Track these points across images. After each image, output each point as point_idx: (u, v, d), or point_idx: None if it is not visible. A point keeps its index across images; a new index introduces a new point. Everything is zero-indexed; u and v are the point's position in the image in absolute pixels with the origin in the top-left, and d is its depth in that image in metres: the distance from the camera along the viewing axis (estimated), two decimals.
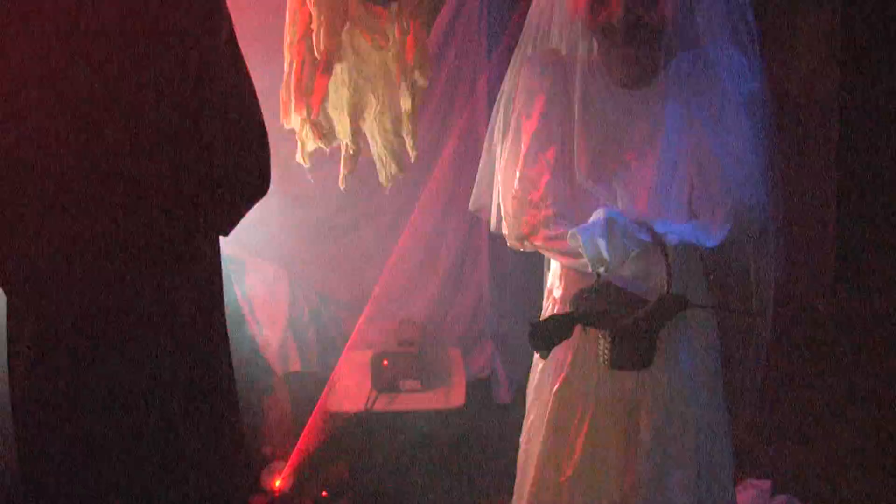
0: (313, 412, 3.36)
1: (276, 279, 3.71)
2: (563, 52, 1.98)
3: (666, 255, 1.77)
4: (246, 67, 1.73)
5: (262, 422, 3.45)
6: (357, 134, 2.31)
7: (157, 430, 1.73)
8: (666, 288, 1.78)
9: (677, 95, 1.89)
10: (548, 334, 1.81)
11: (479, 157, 3.56)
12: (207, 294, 1.78)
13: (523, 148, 1.95)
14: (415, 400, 3.30)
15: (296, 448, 3.29)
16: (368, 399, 3.28)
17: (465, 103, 3.65)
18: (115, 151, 1.60)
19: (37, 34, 1.53)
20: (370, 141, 2.36)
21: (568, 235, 1.82)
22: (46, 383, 1.66)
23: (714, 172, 1.85)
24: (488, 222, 2.12)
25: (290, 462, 3.20)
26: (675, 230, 1.82)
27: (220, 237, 1.81)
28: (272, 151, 1.78)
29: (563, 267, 1.99)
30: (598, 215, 1.79)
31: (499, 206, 2.03)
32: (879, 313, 4.47)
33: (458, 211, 3.78)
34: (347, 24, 2.13)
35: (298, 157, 2.37)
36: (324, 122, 2.23)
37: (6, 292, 1.66)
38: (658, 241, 1.78)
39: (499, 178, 2.02)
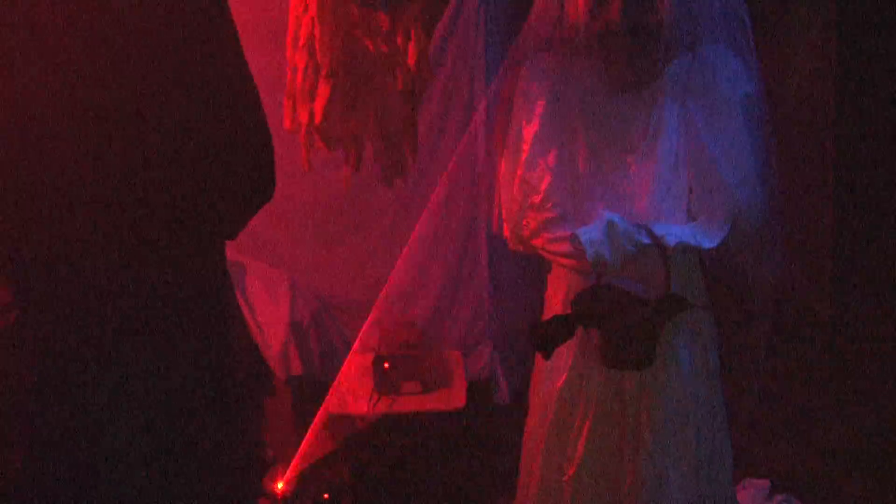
0: (315, 415, 3.37)
1: (277, 283, 3.72)
2: (562, 56, 1.99)
3: (665, 256, 1.79)
4: (250, 72, 1.74)
5: (263, 425, 3.46)
6: (359, 138, 2.33)
7: (166, 434, 1.73)
8: (665, 289, 1.80)
9: (675, 99, 1.91)
10: (550, 335, 1.83)
11: (478, 162, 3.60)
12: (215, 299, 1.79)
13: (524, 151, 1.96)
14: (416, 402, 3.31)
15: (297, 451, 3.30)
16: (370, 401, 3.29)
17: (463, 108, 3.67)
18: (122, 156, 1.60)
19: (43, 37, 1.54)
20: (372, 145, 2.38)
21: (569, 238, 1.84)
22: (55, 387, 1.67)
23: (712, 175, 1.87)
24: (488, 224, 2.14)
25: (291, 465, 3.21)
26: (675, 232, 1.85)
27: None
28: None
29: (564, 268, 2.01)
30: (598, 218, 1.81)
31: (500, 208, 2.05)
32: (877, 314, 4.48)
33: (457, 214, 3.80)
34: (349, 29, 2.15)
35: (301, 162, 2.39)
36: (326, 126, 2.25)
37: (18, 298, 1.67)
38: (657, 243, 1.80)
39: (500, 181, 2.04)
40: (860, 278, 4.68)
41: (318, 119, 2.21)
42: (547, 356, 1.90)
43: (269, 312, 3.62)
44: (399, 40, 2.15)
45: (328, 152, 2.34)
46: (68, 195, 1.58)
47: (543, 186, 1.92)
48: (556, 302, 2.04)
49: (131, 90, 1.57)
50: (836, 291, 4.68)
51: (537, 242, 1.95)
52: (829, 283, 4.71)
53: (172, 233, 1.67)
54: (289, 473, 3.18)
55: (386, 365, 3.34)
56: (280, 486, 3.17)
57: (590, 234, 1.82)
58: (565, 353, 1.99)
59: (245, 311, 3.55)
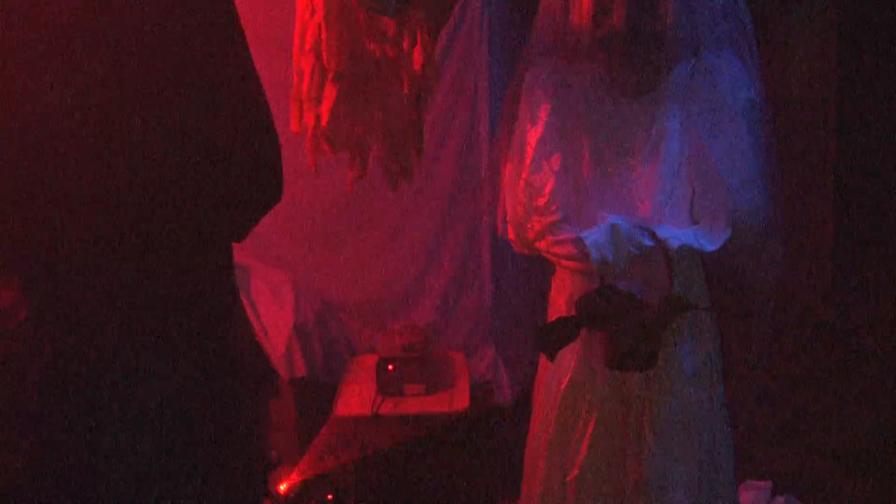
0: (319, 416, 3.39)
1: (280, 285, 3.73)
2: (567, 62, 2.01)
3: (668, 259, 1.81)
4: (258, 75, 1.75)
5: (268, 427, 3.47)
6: (364, 142, 2.35)
7: (170, 435, 1.74)
8: (668, 291, 1.82)
9: (678, 103, 1.93)
10: (554, 336, 1.85)
11: (480, 165, 3.62)
12: (223, 301, 1.81)
13: (528, 155, 1.98)
14: (420, 403, 3.32)
15: (301, 452, 3.32)
16: (374, 403, 3.31)
17: (466, 111, 3.68)
18: (130, 158, 1.61)
19: (52, 42, 1.55)
20: (377, 149, 2.40)
21: (573, 240, 1.86)
22: (60, 387, 1.68)
23: (714, 178, 1.89)
24: (491, 227, 2.16)
25: (296, 467, 3.23)
26: (677, 235, 1.87)
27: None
28: None
29: (567, 271, 2.03)
30: (602, 221, 1.83)
31: (504, 211, 2.07)
32: (877, 316, 4.49)
33: (460, 216, 3.82)
34: (355, 34, 2.17)
35: (305, 165, 2.41)
36: (332, 130, 2.27)
37: (25, 297, 1.68)
38: (660, 246, 1.82)
39: (504, 184, 2.06)
40: (861, 280, 4.69)
41: (324, 122, 2.24)
42: (551, 357, 1.92)
43: (273, 314, 3.64)
44: (405, 45, 2.17)
45: (333, 155, 2.36)
46: (75, 196, 1.60)
47: (548, 189, 1.94)
48: (560, 304, 2.06)
49: (139, 93, 1.59)
50: (836, 293, 4.70)
51: (542, 245, 1.97)
52: (829, 285, 4.73)
53: (180, 235, 1.68)
54: (293, 475, 3.20)
55: (390, 367, 3.35)
56: (284, 487, 3.18)
57: (594, 236, 1.84)
58: (569, 355, 2.01)
59: (249, 313, 3.57)
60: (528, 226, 1.97)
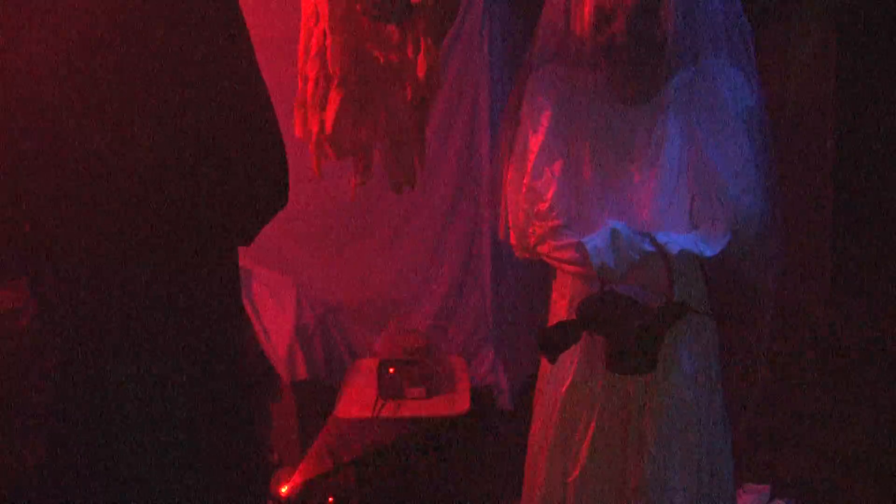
0: (320, 419, 3.40)
1: (282, 288, 3.75)
2: (568, 69, 2.03)
3: (668, 263, 1.83)
4: (264, 82, 1.77)
5: (269, 429, 3.49)
6: (368, 147, 2.37)
7: (174, 436, 1.76)
8: (668, 295, 1.84)
9: (678, 110, 1.95)
10: (556, 340, 1.87)
11: (481, 169, 3.64)
12: (228, 303, 1.82)
13: (530, 161, 2.00)
14: (420, 407, 3.34)
15: (302, 455, 3.33)
16: (375, 406, 3.32)
17: (467, 115, 3.70)
18: (138, 163, 1.63)
19: (63, 43, 1.57)
20: (381, 154, 2.42)
21: (574, 245, 1.88)
22: (73, 388, 1.70)
23: (714, 185, 1.91)
24: (491, 232, 2.17)
25: (296, 469, 3.24)
26: (677, 240, 1.89)
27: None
28: None
29: (569, 275, 2.05)
30: (603, 226, 1.85)
31: (506, 216, 2.09)
32: (876, 319, 4.51)
33: (460, 221, 3.84)
34: (360, 41, 2.19)
35: (312, 170, 2.43)
36: (336, 135, 2.29)
37: (33, 298, 1.70)
38: (660, 251, 1.84)
39: (506, 189, 2.08)
40: (859, 283, 4.71)
41: (328, 128, 2.25)
42: (552, 361, 1.94)
43: (274, 318, 3.65)
44: (409, 52, 2.19)
45: (336, 160, 2.37)
46: (82, 199, 1.61)
47: (549, 195, 1.96)
48: (561, 308, 2.08)
49: (147, 98, 1.61)
50: (835, 296, 4.71)
51: (543, 250, 1.99)
52: (828, 288, 4.74)
53: (187, 238, 1.70)
54: (294, 477, 3.21)
55: (391, 370, 3.36)
56: (285, 490, 3.19)
57: (595, 242, 1.86)
58: (570, 358, 2.03)
59: (251, 316, 3.59)
60: (530, 231, 1.99)
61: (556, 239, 1.95)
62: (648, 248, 1.85)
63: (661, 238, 1.87)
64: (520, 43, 2.12)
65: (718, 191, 1.91)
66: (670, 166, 1.93)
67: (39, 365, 1.72)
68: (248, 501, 1.95)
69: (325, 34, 2.20)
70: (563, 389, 2.05)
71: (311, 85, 2.26)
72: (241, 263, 1.93)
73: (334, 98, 2.22)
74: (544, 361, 2.13)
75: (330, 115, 2.24)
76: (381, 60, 2.21)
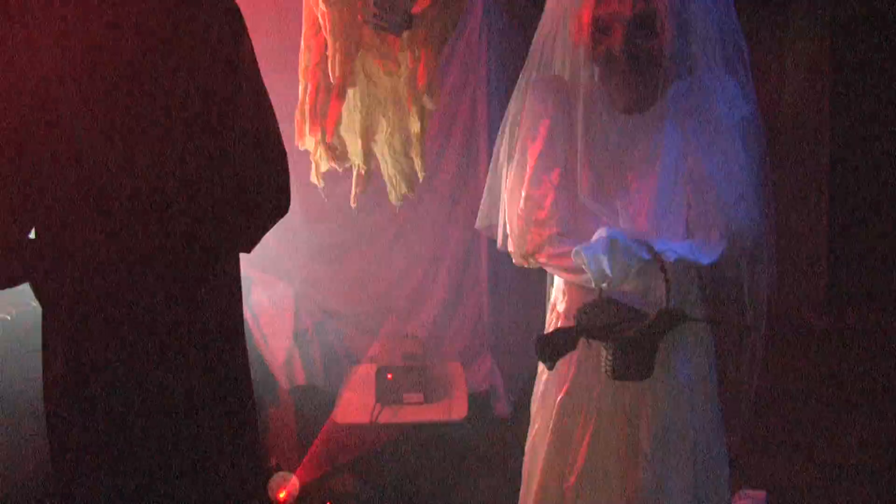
0: (318, 424, 3.41)
1: (281, 295, 3.77)
2: (566, 79, 2.05)
3: (665, 271, 1.85)
4: (265, 90, 1.80)
5: (267, 434, 3.50)
6: (368, 155, 2.39)
7: (176, 439, 1.78)
8: (664, 302, 1.86)
9: (675, 120, 1.97)
10: (553, 347, 1.89)
11: (479, 177, 3.66)
12: (230, 310, 1.85)
13: (528, 170, 2.02)
14: (418, 412, 3.35)
15: (301, 460, 3.35)
16: (373, 412, 3.33)
17: (465, 125, 3.72)
18: (143, 173, 1.65)
19: (70, 58, 1.60)
20: (381, 162, 2.44)
21: (572, 253, 1.90)
22: (78, 393, 1.72)
23: (710, 193, 1.93)
24: (488, 239, 2.19)
25: (295, 474, 3.25)
26: (674, 248, 1.90)
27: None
28: None
29: (566, 283, 2.07)
30: (600, 234, 1.87)
31: (505, 224, 2.10)
32: (870, 326, 4.52)
33: (458, 228, 3.86)
34: (361, 51, 2.22)
35: (312, 177, 2.45)
36: (337, 144, 2.31)
37: (42, 305, 1.73)
38: (657, 259, 1.86)
39: (505, 198, 2.10)
40: (855, 290, 4.72)
41: (328, 137, 2.28)
42: (550, 367, 1.95)
43: (273, 324, 3.67)
44: (409, 61, 2.21)
45: (337, 168, 2.39)
46: (90, 207, 1.64)
47: (547, 203, 1.98)
48: (558, 315, 2.10)
49: (154, 110, 1.64)
50: (830, 303, 4.73)
51: (541, 258, 2.01)
52: (823, 295, 4.76)
53: (190, 245, 1.72)
54: (291, 482, 3.22)
55: (389, 376, 3.37)
56: (283, 495, 3.20)
57: (592, 249, 1.88)
58: (567, 365, 2.05)
59: (250, 322, 3.60)
60: (528, 238, 2.01)
61: (554, 247, 1.97)
62: (645, 255, 1.87)
63: (658, 246, 1.89)
64: (518, 52, 2.13)
65: (714, 200, 1.93)
66: (667, 175, 1.95)
67: (47, 369, 1.75)
68: None
69: (326, 44, 2.23)
70: (561, 395, 2.07)
71: (312, 93, 2.28)
72: (241, 271, 1.95)
73: (335, 107, 2.24)
74: (541, 368, 2.15)
75: (330, 124, 2.26)
76: (382, 70, 2.24)
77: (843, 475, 3.37)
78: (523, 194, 2.02)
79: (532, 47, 2.08)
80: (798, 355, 4.29)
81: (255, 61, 1.78)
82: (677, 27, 1.91)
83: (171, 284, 1.71)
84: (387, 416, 3.33)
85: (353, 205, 2.53)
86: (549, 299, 2.20)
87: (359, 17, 2.16)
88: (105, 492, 1.75)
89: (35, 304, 1.73)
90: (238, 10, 1.75)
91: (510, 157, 2.09)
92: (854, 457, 3.48)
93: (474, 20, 3.52)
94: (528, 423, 2.22)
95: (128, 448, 1.74)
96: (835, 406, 3.88)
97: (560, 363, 1.97)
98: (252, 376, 1.96)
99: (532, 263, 2.06)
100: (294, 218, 3.48)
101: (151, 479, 1.77)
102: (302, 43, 2.32)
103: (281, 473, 3.31)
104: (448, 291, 3.94)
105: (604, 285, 1.90)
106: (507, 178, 2.09)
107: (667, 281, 1.85)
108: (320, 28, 2.24)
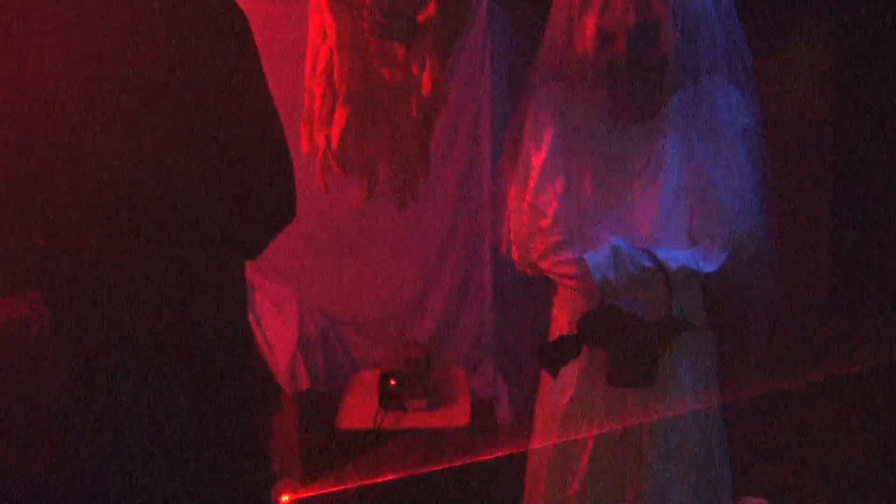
0: (321, 430, 3.42)
1: (285, 300, 3.77)
2: (570, 88, 2.05)
3: (667, 279, 1.87)
4: (274, 103, 1.81)
5: (271, 440, 3.50)
6: (373, 163, 2.40)
7: (179, 444, 1.79)
8: (667, 311, 1.87)
9: (678, 130, 1.98)
10: (557, 354, 1.91)
11: (482, 184, 3.67)
12: (236, 316, 1.86)
13: (532, 178, 2.03)
14: (421, 418, 3.36)
15: (303, 466, 3.35)
16: (376, 418, 3.34)
17: (468, 132, 3.73)
18: (150, 180, 1.67)
19: (79, 63, 1.61)
20: (385, 169, 2.45)
21: (575, 261, 1.92)
22: (84, 399, 1.73)
23: (712, 203, 1.95)
24: (491, 246, 2.20)
25: (297, 479, 3.26)
26: (676, 256, 1.92)
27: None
28: None
29: (570, 290, 2.08)
30: (604, 242, 1.89)
31: (509, 232, 2.12)
32: (874, 334, 4.52)
33: (461, 234, 3.87)
34: (366, 58, 2.23)
35: (317, 184, 2.46)
36: (342, 151, 2.32)
37: (49, 312, 1.74)
38: (660, 267, 1.88)
39: (509, 206, 2.11)
40: (858, 297, 4.72)
41: (334, 144, 2.29)
42: (554, 375, 1.97)
43: (277, 329, 3.67)
44: (414, 70, 2.22)
45: (342, 175, 2.41)
46: (97, 213, 1.65)
47: (551, 211, 1.99)
48: (562, 322, 2.11)
49: (161, 117, 1.65)
50: (834, 310, 4.73)
51: (545, 265, 2.02)
52: (827, 302, 4.76)
53: (197, 252, 1.74)
54: (294, 487, 3.22)
55: (392, 382, 3.38)
56: (285, 499, 3.21)
57: (596, 258, 1.90)
58: (570, 372, 2.05)
59: (254, 327, 3.61)
60: (532, 246, 2.03)
61: (558, 255, 1.99)
62: (648, 264, 1.89)
63: (661, 254, 1.90)
64: (521, 60, 2.14)
65: (717, 209, 1.95)
66: (670, 184, 1.97)
67: (53, 372, 1.76)
68: None
69: (332, 52, 2.24)
70: (564, 402, 2.08)
71: (317, 101, 2.30)
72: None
73: (340, 114, 2.26)
74: (545, 375, 2.16)
75: (336, 131, 2.27)
76: (387, 78, 2.25)
77: (846, 482, 3.36)
78: (527, 202, 2.03)
79: (536, 56, 2.10)
80: (801, 362, 4.28)
81: (261, 68, 1.79)
82: (680, 36, 1.92)
83: (177, 291, 1.72)
84: (390, 422, 3.33)
85: (356, 210, 2.54)
86: (552, 306, 2.21)
87: (364, 25, 2.17)
88: (106, 494, 1.76)
89: None
90: (244, 16, 1.76)
91: (514, 167, 2.10)
92: (857, 464, 3.47)
93: (478, 28, 3.53)
94: (530, 430, 2.23)
95: (133, 455, 1.75)
96: (838, 413, 3.87)
97: (564, 370, 1.98)
98: (254, 382, 1.97)
99: (536, 271, 2.07)
100: (298, 224, 3.50)
101: (157, 485, 1.78)
102: (308, 50, 2.34)
103: (284, 479, 3.32)
104: (451, 298, 3.95)
105: (607, 293, 1.91)
106: (510, 186, 2.10)
107: (669, 289, 1.86)
108: (326, 36, 2.25)
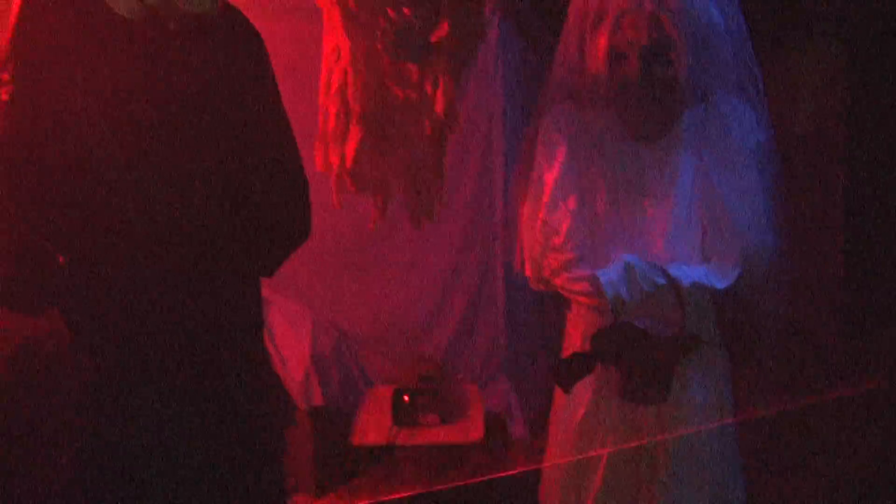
0: (335, 445, 3.43)
1: (299, 316, 3.79)
2: (583, 106, 2.07)
3: (680, 296, 1.88)
4: (287, 118, 1.83)
5: (285, 455, 3.51)
6: (387, 181, 2.42)
7: (200, 460, 1.81)
8: (680, 327, 1.88)
9: (690, 147, 2.00)
10: (570, 371, 1.92)
11: (495, 201, 3.69)
12: (251, 333, 1.88)
13: (545, 195, 2.04)
14: (435, 434, 3.36)
15: (317, 481, 3.36)
16: (389, 433, 3.35)
17: (481, 148, 3.75)
18: (169, 201, 1.69)
19: (99, 90, 1.63)
20: (400, 188, 2.47)
21: (588, 278, 1.93)
22: (100, 413, 1.75)
23: (725, 219, 1.96)
24: (504, 262, 2.22)
25: (311, 495, 3.26)
26: (689, 273, 1.93)
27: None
28: None
29: (583, 307, 2.09)
30: (616, 259, 1.90)
31: (522, 249, 2.13)
32: (887, 348, 4.50)
33: (474, 250, 3.88)
34: (380, 78, 2.26)
35: (328, 201, 2.47)
36: (356, 169, 2.34)
37: (70, 330, 1.76)
38: (673, 284, 1.89)
39: (522, 223, 2.13)
40: (870, 311, 4.70)
41: (349, 162, 2.31)
42: (567, 391, 1.98)
43: (290, 345, 3.69)
44: (428, 89, 2.24)
45: (356, 193, 2.42)
46: (117, 233, 1.67)
47: (564, 229, 2.01)
48: (575, 339, 2.11)
49: (181, 140, 1.67)
50: (846, 324, 4.71)
51: (558, 282, 2.03)
52: (839, 316, 4.74)
53: (214, 271, 1.76)
54: (308, 503, 3.23)
55: (405, 397, 3.39)
56: None
57: (609, 274, 1.91)
58: (584, 388, 2.06)
59: (267, 343, 3.62)
60: (545, 263, 2.04)
61: (571, 271, 2.00)
62: (661, 280, 1.90)
63: (674, 271, 1.91)
64: (533, 78, 2.17)
65: (729, 225, 1.96)
66: (682, 201, 1.98)
67: (73, 386, 1.78)
68: None
69: (346, 71, 2.26)
70: (578, 418, 2.08)
71: (332, 120, 2.32)
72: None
73: (355, 133, 2.28)
74: (558, 391, 2.17)
75: (350, 150, 2.29)
76: (401, 97, 2.27)
77: (860, 497, 3.35)
78: (541, 220, 2.05)
79: (548, 75, 2.12)
80: (814, 376, 4.27)
81: (276, 89, 1.81)
82: (692, 55, 1.94)
83: (194, 309, 1.74)
84: (403, 437, 3.34)
85: (371, 230, 2.55)
86: (565, 323, 2.22)
87: (378, 45, 2.20)
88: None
89: None
90: (261, 39, 1.79)
91: (527, 184, 2.12)
92: (872, 479, 3.46)
93: (489, 46, 3.55)
94: (544, 445, 2.24)
95: (149, 470, 1.76)
96: (852, 427, 3.86)
97: (577, 386, 1.99)
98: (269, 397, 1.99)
99: (549, 288, 2.08)
100: (312, 240, 3.53)
101: (172, 501, 1.80)
102: (322, 69, 2.36)
103: (298, 495, 3.32)
104: (464, 313, 3.96)
105: (620, 310, 1.92)
106: (523, 203, 2.12)
107: (682, 305, 1.87)
108: (340, 55, 2.28)
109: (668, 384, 1.92)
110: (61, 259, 1.73)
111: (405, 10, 2.13)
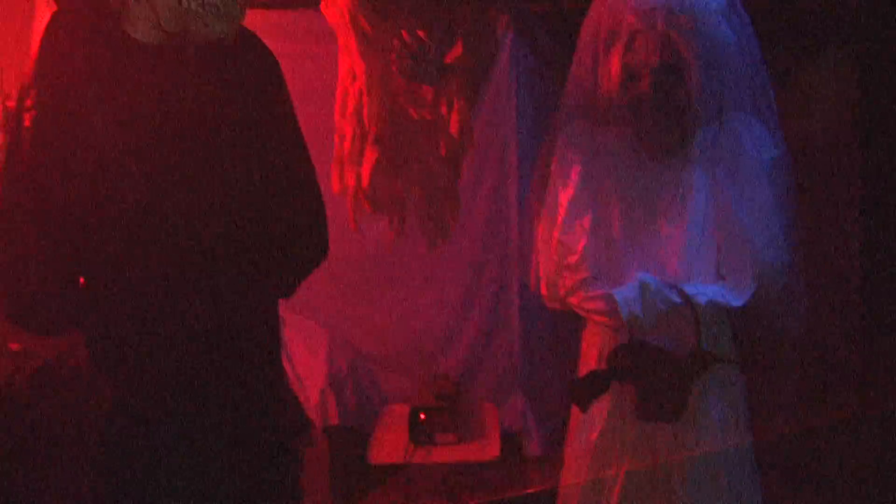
0: (351, 464, 3.43)
1: (314, 336, 3.81)
2: (597, 125, 2.08)
3: (695, 314, 1.88)
4: (304, 139, 1.85)
5: (301, 474, 3.51)
6: (403, 201, 2.44)
7: (223, 484, 1.82)
8: (696, 345, 1.89)
9: (704, 165, 2.01)
10: (587, 390, 1.92)
11: (509, 220, 3.70)
12: (270, 354, 1.90)
13: (560, 215, 2.05)
14: (451, 453, 3.37)
15: (334, 500, 3.36)
16: (406, 452, 3.35)
17: (495, 167, 3.77)
18: (187, 223, 1.71)
19: (117, 112, 1.65)
20: (415, 208, 2.49)
21: (604, 297, 1.94)
22: (119, 433, 1.77)
23: (740, 237, 1.96)
24: (519, 280, 2.22)
25: None
26: (704, 291, 1.94)
27: None
28: None
29: (598, 326, 2.09)
30: (632, 278, 1.91)
31: (538, 268, 2.14)
32: None
33: (489, 269, 3.89)
34: (396, 99, 2.28)
35: (344, 221, 2.50)
36: (372, 190, 2.36)
37: (89, 352, 1.78)
38: (688, 302, 1.89)
39: (538, 242, 2.14)
40: (889, 327, 4.67)
41: (364, 183, 2.33)
42: (584, 410, 1.98)
43: (307, 364, 3.70)
44: (443, 110, 2.26)
45: (372, 213, 2.45)
46: (135, 255, 1.69)
47: (579, 248, 2.02)
48: (591, 357, 2.11)
49: (202, 165, 1.69)
50: (864, 341, 4.68)
51: (573, 301, 2.04)
52: (857, 333, 4.72)
53: (233, 292, 1.77)
54: None
55: (422, 416, 3.40)
56: None
57: (624, 293, 1.91)
58: (600, 407, 2.06)
59: (285, 363, 3.63)
60: (560, 282, 2.05)
61: (586, 290, 2.00)
62: (676, 299, 1.90)
63: (689, 289, 1.92)
64: (547, 98, 2.18)
65: (744, 243, 1.96)
66: (697, 219, 1.99)
67: (93, 408, 1.80)
68: None
69: (361, 93, 2.29)
70: (594, 437, 2.08)
71: (347, 141, 2.34)
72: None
73: (370, 154, 2.30)
74: (575, 410, 2.17)
75: (366, 170, 2.32)
76: (416, 118, 2.29)
77: None
78: (556, 239, 2.05)
79: (562, 95, 2.13)
80: (831, 393, 4.25)
81: (293, 112, 1.83)
82: (704, 74, 1.95)
83: (213, 330, 1.76)
84: (420, 456, 3.34)
85: (388, 251, 2.57)
86: (581, 341, 2.22)
87: (393, 67, 2.22)
88: None
89: None
90: (277, 62, 1.81)
91: (542, 203, 2.12)
92: (892, 497, 3.44)
93: (503, 66, 3.56)
94: (560, 464, 2.24)
95: (168, 490, 1.77)
96: (870, 445, 3.83)
97: (593, 405, 1.99)
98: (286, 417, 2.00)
99: (565, 306, 2.09)
100: (329, 260, 3.54)
101: None
102: (338, 91, 2.39)
103: None
104: (480, 332, 3.96)
105: (635, 328, 1.92)
106: (539, 223, 2.13)
107: (697, 324, 1.88)
108: (356, 77, 2.30)
109: (684, 402, 1.92)
110: (82, 281, 1.75)
111: (419, 33, 2.15)
